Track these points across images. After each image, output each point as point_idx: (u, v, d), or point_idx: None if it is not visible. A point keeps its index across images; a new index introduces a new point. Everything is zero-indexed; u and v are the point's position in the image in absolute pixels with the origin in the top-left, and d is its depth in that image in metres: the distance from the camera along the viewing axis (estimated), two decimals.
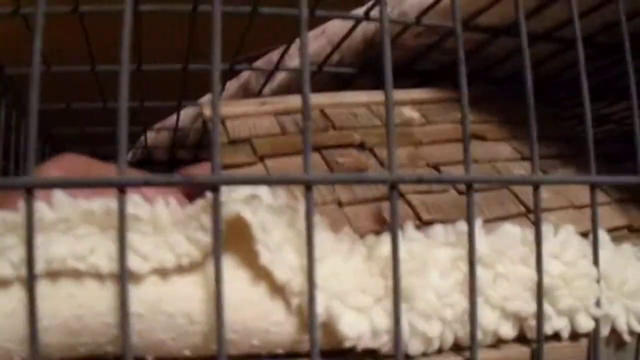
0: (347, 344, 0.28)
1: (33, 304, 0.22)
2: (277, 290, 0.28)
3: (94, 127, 0.69)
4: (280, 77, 0.57)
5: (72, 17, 0.42)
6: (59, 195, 0.28)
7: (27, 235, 0.23)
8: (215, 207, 0.23)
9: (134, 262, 0.26)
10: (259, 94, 0.57)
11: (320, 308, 0.27)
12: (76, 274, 0.27)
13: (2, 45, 0.47)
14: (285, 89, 0.56)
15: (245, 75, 0.61)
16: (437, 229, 0.32)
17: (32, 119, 0.23)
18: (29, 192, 0.23)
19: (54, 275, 0.27)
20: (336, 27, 0.51)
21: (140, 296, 0.26)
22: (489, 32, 0.47)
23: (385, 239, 0.29)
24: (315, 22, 0.47)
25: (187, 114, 0.71)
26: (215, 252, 0.23)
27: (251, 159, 0.42)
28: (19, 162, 0.60)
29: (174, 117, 0.71)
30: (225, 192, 0.28)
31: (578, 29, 0.31)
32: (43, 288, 0.26)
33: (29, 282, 0.23)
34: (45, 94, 0.25)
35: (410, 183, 0.26)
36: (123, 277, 0.23)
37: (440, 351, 0.30)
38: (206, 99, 0.58)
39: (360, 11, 0.48)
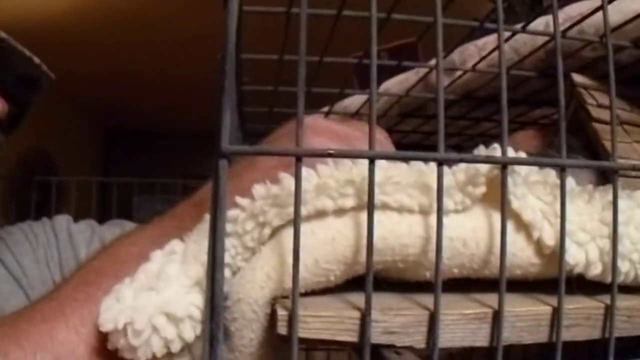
0: (566, 269, 0.37)
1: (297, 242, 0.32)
2: (522, 226, 0.38)
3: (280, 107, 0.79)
4: (458, 74, 0.67)
5: None
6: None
7: (296, 194, 0.31)
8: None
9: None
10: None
11: (552, 240, 0.37)
12: (384, 206, 0.37)
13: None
14: (465, 86, 0.66)
15: (423, 70, 0.71)
16: (638, 194, 0.41)
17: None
18: (298, 160, 0.30)
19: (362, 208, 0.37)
20: (521, 37, 0.60)
21: (430, 224, 0.37)
22: None
23: (604, 193, 0.40)
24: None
25: (358, 99, 0.81)
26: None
27: None
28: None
29: (343, 103, 0.82)
30: None
31: None
32: (353, 219, 0.37)
33: (295, 224, 0.31)
34: None
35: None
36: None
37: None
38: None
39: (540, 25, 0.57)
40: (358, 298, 0.35)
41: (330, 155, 0.31)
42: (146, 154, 5.21)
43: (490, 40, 0.66)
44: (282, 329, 0.33)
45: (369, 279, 0.31)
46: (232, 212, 0.38)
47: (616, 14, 0.52)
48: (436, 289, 0.33)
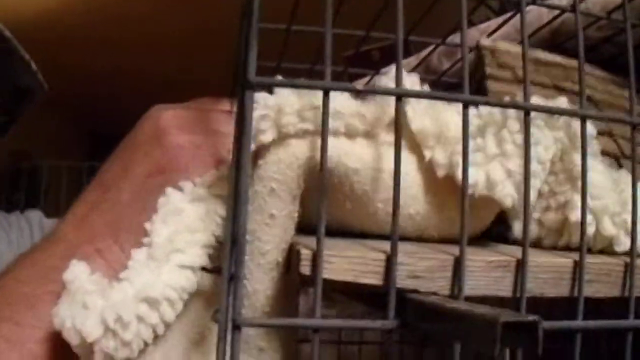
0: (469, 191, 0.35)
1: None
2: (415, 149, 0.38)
3: None
4: (459, 56, 0.66)
5: None
6: None
7: (323, 128, 0.31)
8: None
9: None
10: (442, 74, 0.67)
11: (445, 159, 0.37)
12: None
13: None
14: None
15: (424, 53, 0.70)
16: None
17: None
18: (326, 94, 0.30)
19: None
20: (526, 18, 0.59)
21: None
22: None
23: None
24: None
25: None
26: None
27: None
28: None
29: None
30: None
31: None
32: None
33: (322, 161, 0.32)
34: None
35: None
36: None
37: None
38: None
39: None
40: (379, 243, 0.34)
41: (358, 91, 0.31)
42: None
43: (492, 24, 0.66)
44: (305, 269, 0.32)
45: (396, 219, 0.31)
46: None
47: None
48: (462, 231, 0.32)
